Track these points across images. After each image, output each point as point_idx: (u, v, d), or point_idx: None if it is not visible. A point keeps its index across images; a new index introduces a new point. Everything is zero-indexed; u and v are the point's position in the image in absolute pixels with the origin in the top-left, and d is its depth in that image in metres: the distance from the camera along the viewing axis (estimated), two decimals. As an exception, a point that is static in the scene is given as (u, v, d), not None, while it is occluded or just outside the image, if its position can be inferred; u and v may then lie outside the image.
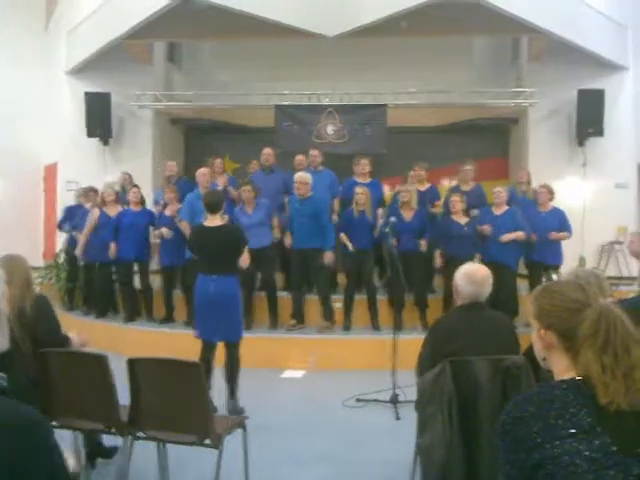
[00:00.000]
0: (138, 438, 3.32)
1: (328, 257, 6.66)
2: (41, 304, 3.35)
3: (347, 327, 6.94)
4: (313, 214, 6.70)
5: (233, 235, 4.99)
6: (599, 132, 8.53)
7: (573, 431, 1.33)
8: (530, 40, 9.06)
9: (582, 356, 1.40)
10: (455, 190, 7.51)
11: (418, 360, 3.21)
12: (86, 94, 9.21)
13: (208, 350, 4.96)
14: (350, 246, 6.80)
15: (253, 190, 6.75)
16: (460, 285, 3.13)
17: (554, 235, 6.91)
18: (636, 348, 1.38)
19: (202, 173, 6.93)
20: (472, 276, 3.11)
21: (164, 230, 7.02)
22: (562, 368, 1.48)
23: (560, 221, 7.03)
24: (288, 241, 6.94)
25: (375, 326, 6.91)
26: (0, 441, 1.19)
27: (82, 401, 3.35)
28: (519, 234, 6.75)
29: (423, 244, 6.88)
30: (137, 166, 8.77)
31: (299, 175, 6.88)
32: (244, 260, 4.98)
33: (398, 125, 8.88)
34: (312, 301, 7.05)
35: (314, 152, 7.71)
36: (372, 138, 8.82)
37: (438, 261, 7.01)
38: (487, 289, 3.14)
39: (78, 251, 7.58)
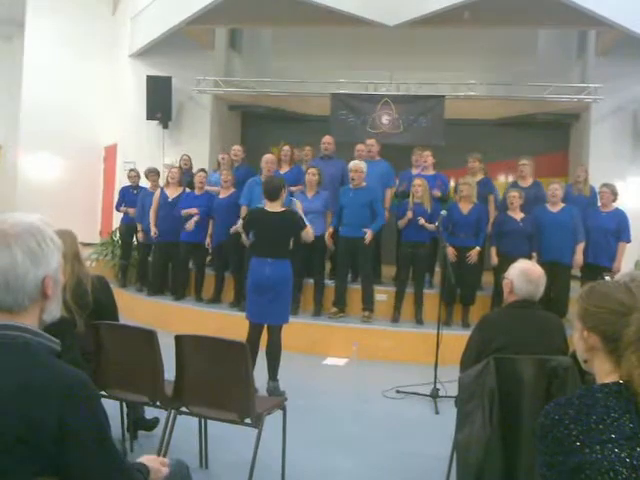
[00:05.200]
0: (181, 413, 3.40)
1: (370, 236, 6.62)
2: (106, 288, 3.50)
3: (396, 319, 6.91)
4: (367, 204, 6.67)
5: (291, 221, 5.05)
6: (665, 131, 8.19)
7: (614, 436, 1.30)
8: (598, 34, 8.74)
9: (625, 361, 1.36)
10: (514, 186, 7.30)
11: (463, 354, 3.18)
12: (148, 77, 9.43)
13: (256, 332, 5.04)
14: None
15: (318, 175, 6.74)
16: (515, 282, 3.07)
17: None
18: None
19: (267, 160, 6.86)
20: (529, 274, 3.06)
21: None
22: (604, 371, 1.45)
23: (619, 224, 6.74)
24: (330, 232, 6.86)
25: (419, 320, 6.86)
26: (53, 398, 1.29)
27: (130, 374, 3.46)
28: (580, 249, 6.63)
29: (474, 254, 6.68)
30: (195, 150, 8.93)
31: (354, 163, 6.82)
32: (309, 235, 5.12)
33: (456, 117, 8.73)
34: (355, 290, 7.05)
35: (371, 141, 7.61)
36: (428, 129, 8.69)
37: (494, 259, 6.74)
38: (541, 289, 3.10)
39: (152, 229, 7.65)
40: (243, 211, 6.76)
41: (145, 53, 9.74)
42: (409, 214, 6.73)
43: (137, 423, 3.96)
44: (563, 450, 1.34)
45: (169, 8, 8.94)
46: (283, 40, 10.10)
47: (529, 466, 2.65)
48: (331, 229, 6.87)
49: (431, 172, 7.43)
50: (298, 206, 5.68)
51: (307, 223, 5.15)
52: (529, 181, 7.32)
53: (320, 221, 6.80)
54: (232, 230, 6.75)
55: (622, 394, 1.35)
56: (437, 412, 4.93)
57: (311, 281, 7.06)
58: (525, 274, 3.06)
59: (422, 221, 6.65)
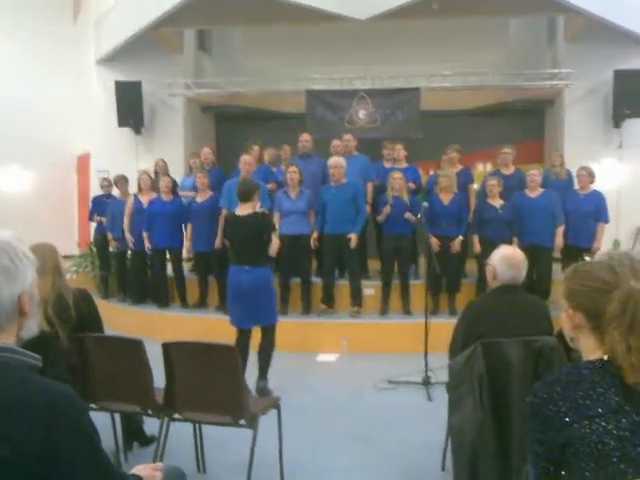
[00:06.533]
0: (174, 420, 3.39)
1: (354, 240, 6.64)
2: (88, 300, 3.45)
3: (384, 312, 6.94)
4: (349, 200, 6.68)
5: (260, 223, 4.97)
6: (636, 113, 8.28)
7: (601, 410, 1.34)
8: (566, 20, 8.84)
9: (608, 337, 1.40)
10: (495, 174, 7.37)
11: (451, 341, 3.22)
12: (117, 83, 9.24)
13: (243, 336, 5.02)
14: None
15: (299, 173, 6.67)
16: (498, 268, 3.12)
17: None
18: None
19: (245, 161, 6.74)
20: (510, 259, 3.12)
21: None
22: (590, 348, 1.48)
23: (597, 205, 6.86)
24: (315, 236, 6.82)
25: (407, 311, 6.90)
26: (37, 415, 1.26)
27: (119, 384, 3.44)
28: (560, 232, 6.74)
29: (457, 243, 6.75)
30: (169, 154, 8.80)
31: (334, 160, 6.84)
32: (273, 249, 5.00)
33: (432, 109, 8.77)
34: (343, 286, 7.07)
35: (347, 137, 7.61)
36: (405, 122, 8.72)
37: (477, 247, 6.82)
38: (523, 273, 3.16)
39: (127, 237, 7.52)
40: (223, 213, 6.73)
41: (112, 59, 9.54)
42: (388, 208, 6.76)
43: (134, 434, 3.90)
44: (553, 427, 1.37)
45: (134, 11, 8.73)
46: (254, 39, 10.05)
47: (521, 446, 2.70)
48: (316, 234, 6.82)
49: (404, 164, 7.50)
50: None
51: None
52: (511, 169, 7.41)
53: (304, 220, 6.80)
54: (217, 245, 6.73)
55: (607, 369, 1.38)
56: (430, 399, 4.99)
57: (298, 280, 7.04)
58: (507, 259, 3.11)
59: (408, 214, 6.68)
